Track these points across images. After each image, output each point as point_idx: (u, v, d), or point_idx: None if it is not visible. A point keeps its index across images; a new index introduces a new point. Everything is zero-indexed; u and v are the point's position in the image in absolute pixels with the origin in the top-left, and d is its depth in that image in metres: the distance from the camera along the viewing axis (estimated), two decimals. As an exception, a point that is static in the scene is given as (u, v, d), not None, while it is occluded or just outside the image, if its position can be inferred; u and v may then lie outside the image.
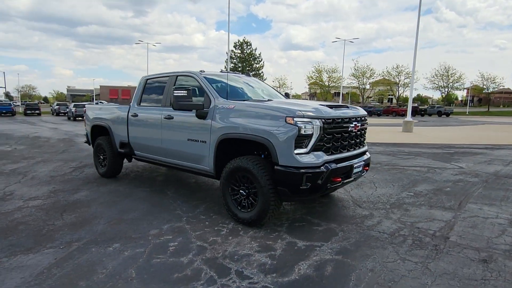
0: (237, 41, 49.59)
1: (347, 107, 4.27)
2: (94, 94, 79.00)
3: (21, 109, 42.34)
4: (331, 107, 3.93)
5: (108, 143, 6.18)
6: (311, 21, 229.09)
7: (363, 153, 4.38)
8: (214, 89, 4.50)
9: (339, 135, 3.80)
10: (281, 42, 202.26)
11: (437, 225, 4.05)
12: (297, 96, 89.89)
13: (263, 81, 6.48)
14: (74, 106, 30.14)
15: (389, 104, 58.19)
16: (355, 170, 3.97)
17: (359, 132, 4.18)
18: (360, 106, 4.95)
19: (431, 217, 4.32)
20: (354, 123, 3.98)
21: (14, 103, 46.08)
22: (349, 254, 3.25)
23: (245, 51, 49.29)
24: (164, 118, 4.91)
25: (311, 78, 54.41)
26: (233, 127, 3.99)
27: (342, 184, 3.94)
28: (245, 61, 49.01)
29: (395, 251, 3.31)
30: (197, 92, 4.75)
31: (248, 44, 49.57)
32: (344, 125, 3.85)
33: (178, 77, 5.06)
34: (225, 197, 4.09)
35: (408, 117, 19.09)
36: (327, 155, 3.67)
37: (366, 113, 4.50)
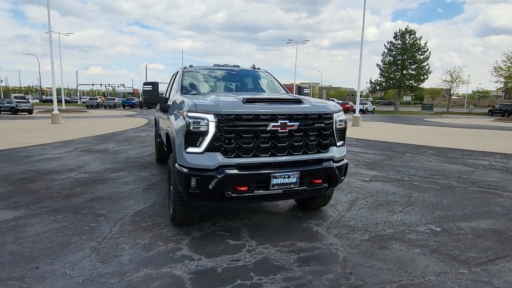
0: (398, 31, 44.35)
1: (289, 101, 3.44)
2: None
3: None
4: (253, 101, 3.29)
5: (156, 134, 7.13)
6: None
7: (313, 161, 3.41)
8: (181, 83, 4.52)
9: (248, 134, 3.13)
10: (475, 27, 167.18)
11: (388, 277, 2.74)
12: (484, 93, 72.44)
13: (271, 76, 5.36)
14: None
15: None
16: (275, 181, 3.17)
17: (299, 133, 3.29)
18: None
19: (399, 266, 2.94)
20: (280, 121, 3.17)
21: None
22: (204, 275, 2.72)
23: (407, 42, 43.58)
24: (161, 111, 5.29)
25: (499, 69, 42.49)
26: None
27: (260, 197, 3.25)
28: (406, 52, 43.34)
29: (261, 291, 2.53)
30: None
31: (412, 33, 43.45)
32: (259, 123, 3.14)
33: (178, 72, 5.31)
34: (168, 192, 4.10)
35: None
36: (229, 157, 3.11)
37: (324, 110, 3.46)
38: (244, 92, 4.69)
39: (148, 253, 3.13)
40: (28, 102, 32.29)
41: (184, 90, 4.40)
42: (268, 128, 3.15)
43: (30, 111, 29.60)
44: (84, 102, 50.76)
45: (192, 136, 3.13)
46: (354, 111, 37.79)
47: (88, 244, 3.28)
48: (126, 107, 45.75)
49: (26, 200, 4.62)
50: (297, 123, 3.25)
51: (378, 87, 47.51)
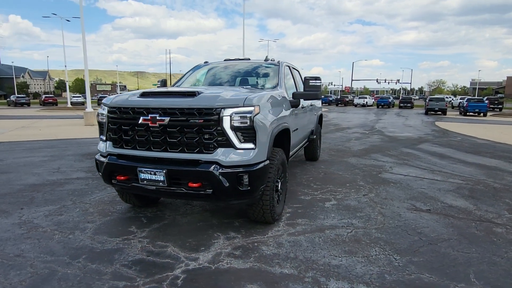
0: None
1: (180, 94, 3.18)
2: (498, 87, 69.55)
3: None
4: (148, 94, 3.31)
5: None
6: None
7: (187, 162, 3.01)
8: (185, 77, 4.95)
9: (126, 127, 3.21)
10: None
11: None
12: None
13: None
14: (429, 99, 31.19)
15: None
16: (142, 176, 3.09)
17: (172, 129, 3.02)
18: None
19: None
20: (150, 115, 3.04)
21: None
22: (68, 248, 3.14)
23: None
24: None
25: None
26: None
27: (139, 189, 3.26)
28: None
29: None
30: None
31: None
32: (131, 116, 3.15)
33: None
34: None
35: None
36: (115, 147, 3.35)
37: (205, 104, 2.95)
38: (235, 86, 4.54)
39: (75, 218, 3.84)
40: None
41: (179, 83, 4.78)
42: (139, 122, 3.11)
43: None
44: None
45: (100, 126, 3.56)
46: None
47: (65, 202, 4.38)
48: (323, 104, 48.47)
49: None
50: (167, 118, 3.00)
51: None
